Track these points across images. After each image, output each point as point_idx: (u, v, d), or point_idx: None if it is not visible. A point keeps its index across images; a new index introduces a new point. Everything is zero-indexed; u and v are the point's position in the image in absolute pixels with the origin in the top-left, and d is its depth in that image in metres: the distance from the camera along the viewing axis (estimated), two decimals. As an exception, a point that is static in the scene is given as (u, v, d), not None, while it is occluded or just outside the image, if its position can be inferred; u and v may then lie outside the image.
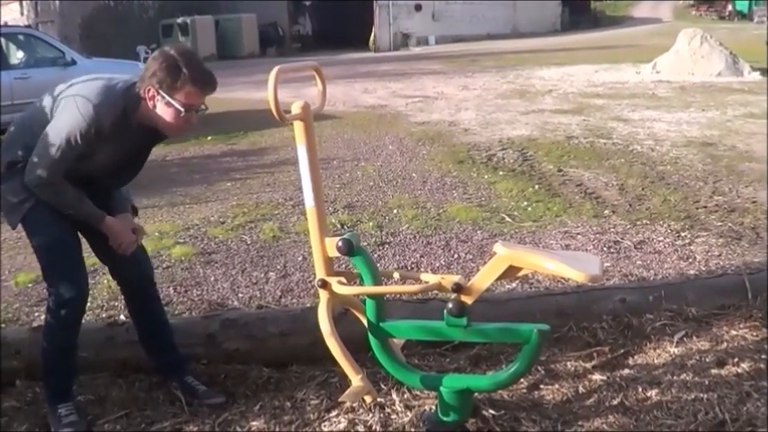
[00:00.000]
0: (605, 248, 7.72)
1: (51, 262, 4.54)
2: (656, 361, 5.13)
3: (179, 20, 44.70)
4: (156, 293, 5.10)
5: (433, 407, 4.36)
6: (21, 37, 16.85)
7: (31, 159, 4.29)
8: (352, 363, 4.23)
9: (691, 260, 7.31)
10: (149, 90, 4.23)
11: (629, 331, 5.47)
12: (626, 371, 5.01)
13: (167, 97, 4.22)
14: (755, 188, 10.00)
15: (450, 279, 4.08)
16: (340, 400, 4.30)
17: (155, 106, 4.27)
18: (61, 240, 4.52)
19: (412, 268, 7.35)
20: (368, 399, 4.38)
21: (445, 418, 4.21)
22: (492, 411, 4.41)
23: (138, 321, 5.04)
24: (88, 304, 6.35)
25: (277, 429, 4.46)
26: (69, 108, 4.25)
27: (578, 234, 8.26)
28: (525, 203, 9.60)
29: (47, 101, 4.45)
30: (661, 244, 7.81)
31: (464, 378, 4.50)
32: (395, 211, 9.39)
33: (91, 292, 6.76)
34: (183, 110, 4.25)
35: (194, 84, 4.24)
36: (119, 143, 4.37)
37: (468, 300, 4.04)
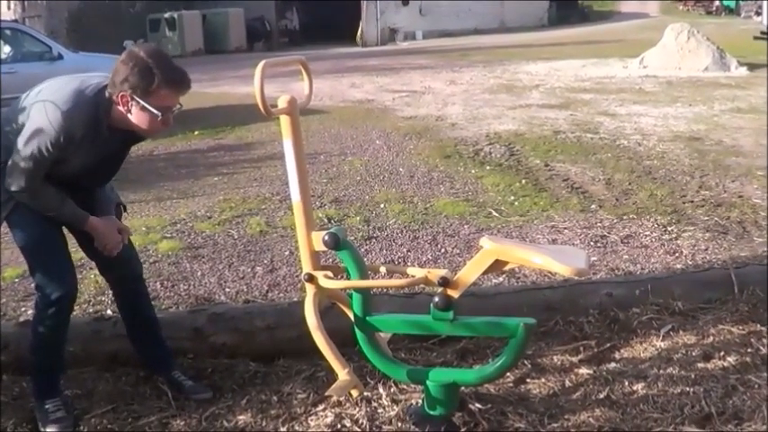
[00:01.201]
0: (592, 243, 7.74)
1: (38, 260, 4.51)
2: (642, 355, 5.14)
3: (166, 14, 44.54)
4: (144, 290, 5.09)
5: (420, 401, 4.37)
6: (8, 32, 16.81)
7: (8, 166, 4.24)
8: (338, 357, 4.24)
9: (677, 254, 7.33)
10: (123, 96, 4.16)
11: (616, 325, 5.49)
12: (612, 365, 5.02)
13: (142, 102, 4.16)
14: (742, 183, 10.03)
15: (436, 273, 4.08)
16: (327, 394, 4.30)
17: (129, 111, 4.21)
18: (47, 238, 4.50)
19: (399, 263, 7.36)
20: (354, 393, 4.39)
21: (432, 412, 4.21)
22: (478, 405, 4.42)
23: (126, 317, 5.03)
24: (75, 299, 6.38)
25: (264, 423, 4.46)
26: (39, 115, 4.18)
27: (565, 228, 8.27)
28: (512, 198, 9.61)
29: (20, 104, 4.38)
30: (648, 238, 7.83)
31: (450, 372, 4.51)
32: (382, 206, 9.39)
33: (79, 287, 6.78)
34: (159, 114, 4.20)
35: (168, 86, 4.17)
36: (93, 149, 4.31)
37: (454, 294, 4.05)
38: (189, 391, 4.87)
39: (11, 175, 4.23)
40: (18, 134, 4.23)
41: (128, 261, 4.88)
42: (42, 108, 4.19)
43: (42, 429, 4.51)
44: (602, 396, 4.62)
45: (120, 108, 4.21)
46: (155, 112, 4.18)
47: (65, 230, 4.63)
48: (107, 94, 4.24)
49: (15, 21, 21.15)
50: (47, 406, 4.56)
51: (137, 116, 4.22)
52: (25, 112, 4.28)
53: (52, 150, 4.16)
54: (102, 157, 4.43)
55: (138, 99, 4.15)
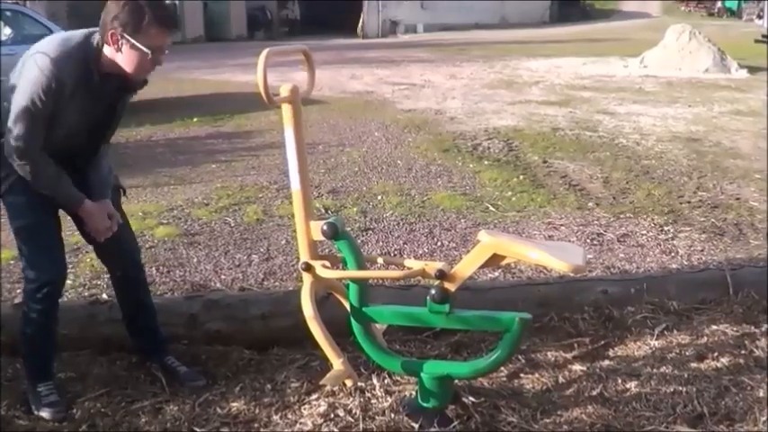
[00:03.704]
0: (588, 240, 7.75)
1: (29, 244, 4.50)
2: (636, 353, 5.15)
3: (167, 1, 44.38)
4: (142, 276, 5.07)
5: (414, 392, 4.38)
6: (8, 13, 16.73)
7: (6, 129, 4.21)
8: (333, 346, 4.25)
9: (673, 254, 7.33)
10: (113, 34, 4.13)
11: (611, 323, 5.50)
12: (606, 362, 5.03)
13: (132, 40, 4.13)
14: (739, 185, 10.03)
15: (433, 266, 4.09)
16: (320, 383, 4.32)
17: (119, 50, 4.17)
18: (41, 221, 4.49)
19: (395, 255, 7.36)
20: (348, 383, 4.41)
21: (425, 404, 4.23)
22: (472, 398, 4.43)
23: (122, 301, 5.03)
24: (71, 282, 6.43)
25: (257, 411, 4.47)
26: (29, 67, 4.16)
27: (562, 225, 8.28)
28: (510, 193, 9.61)
29: (15, 71, 4.35)
30: (644, 237, 7.84)
31: (445, 365, 4.53)
32: (379, 198, 9.39)
33: (73, 270, 6.81)
34: (149, 52, 4.17)
35: (159, 23, 4.16)
36: (87, 98, 4.26)
37: (451, 287, 4.06)
38: (183, 377, 4.88)
39: (9, 138, 4.18)
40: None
41: (127, 247, 4.88)
42: (32, 61, 4.17)
43: (36, 412, 4.52)
44: (595, 393, 4.63)
45: (111, 48, 4.18)
46: (144, 50, 4.15)
47: (62, 214, 4.62)
48: (95, 41, 4.22)
49: (16, 2, 21.05)
50: (39, 389, 4.56)
51: (126, 55, 4.19)
52: (19, 73, 4.26)
53: (45, 99, 4.10)
54: (98, 108, 4.39)
55: (127, 37, 4.12)
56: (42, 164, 4.25)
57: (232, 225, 8.35)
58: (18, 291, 6.40)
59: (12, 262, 7.10)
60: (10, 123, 4.18)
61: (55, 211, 4.58)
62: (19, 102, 4.14)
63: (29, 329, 4.61)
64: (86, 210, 4.43)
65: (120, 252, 4.84)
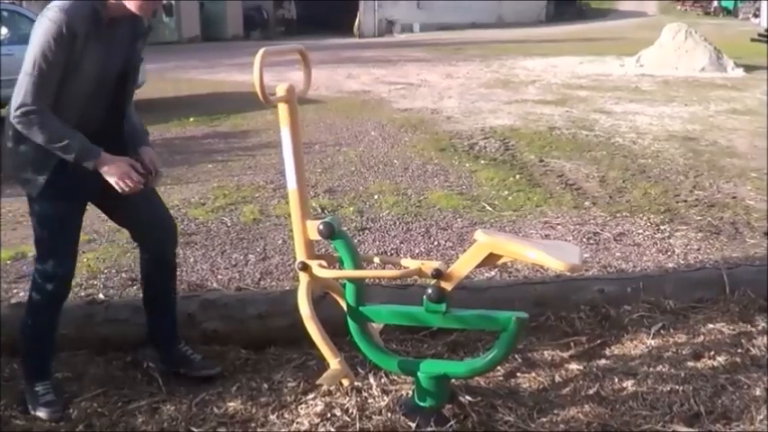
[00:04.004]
0: (585, 239, 7.75)
1: (47, 236, 4.50)
2: (632, 352, 5.16)
3: (164, 1, 44.42)
4: (172, 260, 5.02)
5: (410, 392, 4.38)
6: (5, 13, 16.73)
7: (16, 86, 4.16)
8: (330, 346, 4.25)
9: (669, 253, 7.34)
10: None
11: (607, 322, 5.50)
12: (603, 361, 5.04)
13: None
14: (736, 184, 10.04)
15: (430, 265, 4.09)
16: (317, 382, 4.32)
17: None
18: (63, 217, 4.49)
19: (391, 254, 7.36)
20: (345, 382, 4.41)
21: (422, 404, 4.23)
22: (468, 398, 4.43)
23: (146, 284, 5.03)
24: (67, 281, 6.38)
25: (253, 411, 4.47)
26: (40, 22, 4.13)
27: (558, 224, 8.28)
28: (506, 193, 9.61)
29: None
30: (640, 236, 7.84)
31: (441, 364, 4.52)
32: (376, 197, 9.39)
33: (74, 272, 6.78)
34: None
35: None
36: (99, 46, 4.23)
37: (447, 286, 4.06)
38: (198, 366, 4.92)
39: (16, 98, 4.14)
40: None
41: (162, 229, 4.88)
42: (43, 16, 4.14)
43: (32, 412, 4.52)
44: (591, 392, 4.63)
45: None
46: None
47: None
48: None
49: (13, 2, 21.05)
50: (37, 388, 4.56)
51: None
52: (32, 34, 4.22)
53: (56, 49, 4.07)
54: (114, 59, 4.36)
55: None
56: (48, 117, 4.16)
57: (229, 225, 8.35)
58: (15, 290, 6.42)
59: (8, 262, 7.11)
60: (18, 83, 4.15)
61: (82, 209, 4.59)
62: (30, 55, 4.13)
63: (30, 328, 4.62)
64: (106, 160, 4.28)
65: (155, 232, 4.84)
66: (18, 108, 4.14)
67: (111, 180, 4.26)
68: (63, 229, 4.51)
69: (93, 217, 8.46)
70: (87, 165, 4.23)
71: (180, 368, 4.93)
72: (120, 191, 4.27)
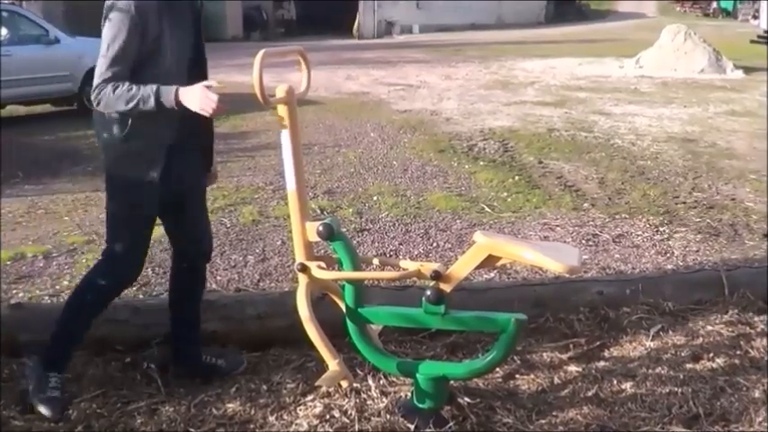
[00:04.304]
0: (584, 241, 7.75)
1: (121, 231, 4.57)
2: (631, 354, 5.16)
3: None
4: (204, 270, 5.10)
5: (409, 393, 4.38)
6: (5, 14, 16.72)
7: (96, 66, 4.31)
8: (329, 347, 4.25)
9: (668, 255, 7.34)
10: None
11: (606, 324, 5.51)
12: (601, 363, 5.04)
13: None
14: (735, 185, 10.05)
15: (429, 266, 4.10)
16: (316, 384, 4.32)
17: None
18: (147, 216, 4.60)
19: (391, 255, 7.36)
20: (344, 384, 4.41)
21: (421, 405, 4.23)
22: (467, 399, 4.43)
23: (175, 289, 5.06)
24: (67, 283, 6.43)
25: (252, 412, 4.47)
26: (113, 7, 4.29)
27: (557, 226, 8.29)
28: (505, 194, 9.62)
29: None
30: (639, 238, 7.85)
31: (440, 365, 4.53)
32: (375, 198, 9.39)
33: (69, 271, 6.82)
34: None
35: None
36: (173, 27, 4.37)
37: (446, 288, 4.06)
38: (227, 369, 4.96)
39: (98, 73, 4.26)
40: None
41: (201, 239, 4.94)
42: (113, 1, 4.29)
43: (34, 402, 4.50)
44: (590, 394, 4.64)
45: None
46: None
47: None
48: None
49: (12, 3, 21.05)
50: (51, 378, 4.55)
51: None
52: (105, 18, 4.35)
53: (127, 32, 4.21)
54: (185, 33, 4.50)
55: None
56: (121, 85, 4.23)
57: (228, 226, 8.35)
58: (15, 291, 6.42)
59: (8, 263, 7.10)
60: (99, 60, 4.28)
61: (155, 214, 4.66)
62: (104, 39, 4.28)
63: (74, 312, 4.66)
64: (183, 92, 4.25)
65: (193, 242, 4.90)
66: (93, 91, 4.27)
67: (195, 108, 4.23)
68: (143, 230, 4.60)
69: (93, 218, 8.51)
70: (169, 103, 4.22)
71: (207, 376, 4.94)
72: (207, 115, 4.27)
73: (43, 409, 4.48)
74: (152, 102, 4.19)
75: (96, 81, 4.25)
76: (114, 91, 4.21)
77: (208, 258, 5.09)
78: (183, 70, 4.46)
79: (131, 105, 4.21)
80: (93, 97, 4.26)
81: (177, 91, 4.21)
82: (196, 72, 4.55)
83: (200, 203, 4.91)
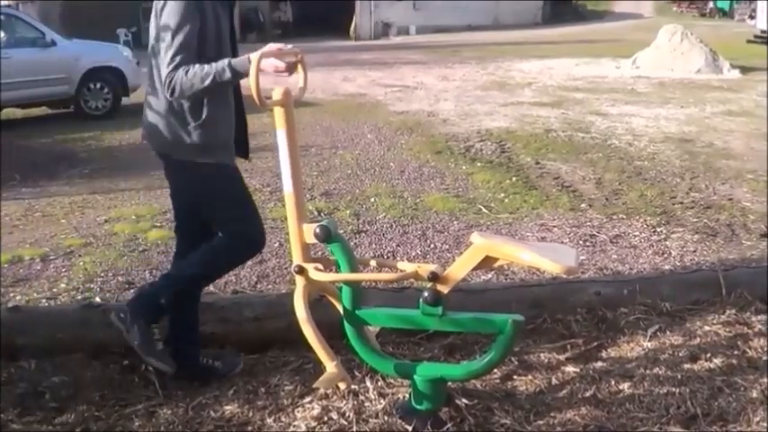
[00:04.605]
0: (581, 242, 7.76)
1: (241, 209, 4.69)
2: (629, 354, 5.16)
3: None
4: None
5: (407, 395, 4.38)
6: (1, 17, 16.75)
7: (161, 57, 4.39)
8: (326, 349, 4.25)
9: (666, 255, 7.35)
10: None
11: (604, 324, 5.50)
12: (599, 363, 5.04)
13: None
14: (732, 185, 10.06)
15: (426, 268, 4.10)
16: (314, 386, 4.32)
17: None
18: (248, 195, 4.81)
19: (388, 257, 7.36)
20: (342, 386, 4.40)
21: (418, 407, 4.23)
22: (465, 401, 4.42)
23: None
24: (63, 285, 6.41)
25: (250, 414, 4.47)
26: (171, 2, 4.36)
27: (554, 227, 8.29)
28: (502, 195, 9.62)
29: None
30: (637, 239, 7.85)
31: (438, 367, 4.53)
32: (372, 200, 9.39)
33: (67, 273, 6.82)
34: None
35: None
36: (221, 13, 4.52)
37: (443, 289, 4.06)
38: (223, 371, 4.98)
39: (165, 62, 4.32)
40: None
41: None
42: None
43: (149, 360, 4.62)
44: (588, 394, 4.63)
45: None
46: None
47: None
48: None
49: (9, 6, 21.05)
50: (153, 331, 4.70)
51: None
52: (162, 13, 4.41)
53: (189, 22, 4.30)
54: (228, 29, 4.62)
55: None
56: (192, 66, 4.30)
57: (225, 228, 8.34)
58: (12, 294, 6.41)
59: (5, 266, 7.10)
60: (165, 44, 4.33)
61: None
62: (167, 32, 4.32)
63: (203, 271, 4.75)
64: (255, 57, 4.26)
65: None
66: (164, 82, 4.32)
67: (271, 69, 4.32)
68: (249, 200, 4.79)
69: (90, 220, 8.51)
70: (245, 69, 4.25)
71: (205, 378, 4.95)
72: (286, 75, 4.40)
73: (162, 366, 4.59)
74: (228, 73, 4.26)
75: (166, 70, 4.28)
76: (187, 73, 4.26)
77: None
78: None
79: (208, 81, 4.26)
80: (166, 87, 4.30)
81: (252, 55, 4.26)
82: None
83: None
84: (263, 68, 4.24)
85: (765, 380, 4.74)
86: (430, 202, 9.22)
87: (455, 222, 8.47)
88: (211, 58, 4.35)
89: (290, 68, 4.37)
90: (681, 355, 5.11)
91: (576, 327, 5.48)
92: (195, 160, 4.53)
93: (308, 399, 4.57)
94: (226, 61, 4.26)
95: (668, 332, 5.41)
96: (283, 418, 4.42)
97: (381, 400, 4.49)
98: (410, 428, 4.19)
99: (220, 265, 4.82)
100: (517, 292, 5.75)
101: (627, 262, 7.17)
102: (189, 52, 4.29)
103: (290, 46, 4.48)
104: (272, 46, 4.35)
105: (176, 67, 4.27)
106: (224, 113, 4.55)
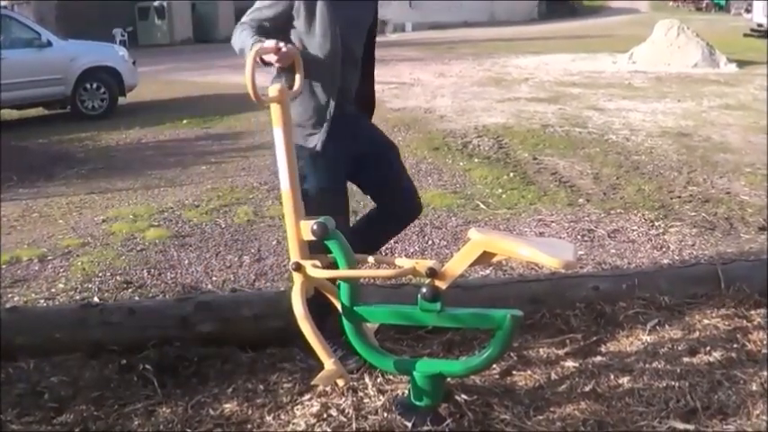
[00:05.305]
0: (579, 237, 7.75)
1: (321, 206, 4.59)
2: (628, 349, 5.14)
3: (155, 3, 44.30)
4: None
5: (406, 391, 4.37)
6: (-2, 18, 16.78)
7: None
8: (325, 346, 4.24)
9: (664, 249, 7.34)
10: None
11: (602, 319, 5.49)
12: (598, 358, 5.03)
13: None
14: (729, 179, 10.05)
15: (424, 264, 4.09)
16: (313, 383, 4.31)
17: None
18: (333, 191, 4.79)
19: (386, 253, 7.34)
20: (340, 382, 4.39)
21: (418, 403, 4.22)
22: (464, 396, 4.42)
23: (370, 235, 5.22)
24: (62, 285, 6.41)
25: (250, 412, 4.46)
26: None
27: (552, 222, 8.28)
28: (500, 191, 9.62)
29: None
30: (635, 233, 7.84)
31: (437, 363, 4.51)
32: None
33: (65, 273, 6.81)
34: None
35: None
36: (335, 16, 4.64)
37: (442, 285, 4.05)
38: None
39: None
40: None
41: (411, 197, 5.20)
42: None
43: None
44: (587, 389, 4.62)
45: None
46: None
47: None
48: None
49: (4, 7, 21.07)
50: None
51: None
52: None
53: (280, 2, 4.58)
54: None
55: None
56: (246, 30, 4.56)
57: (223, 226, 8.35)
58: (10, 295, 6.41)
59: (4, 267, 7.10)
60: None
61: (345, 185, 4.99)
62: None
63: None
64: (255, 53, 4.32)
65: (404, 200, 5.19)
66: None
67: (272, 60, 4.38)
68: (330, 200, 4.75)
69: (87, 220, 8.51)
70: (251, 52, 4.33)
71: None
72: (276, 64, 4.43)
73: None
74: (246, 50, 4.37)
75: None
76: (240, 33, 4.55)
77: (417, 215, 5.30)
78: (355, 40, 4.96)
79: (238, 48, 4.54)
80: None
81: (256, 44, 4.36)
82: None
83: (392, 164, 5.24)
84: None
85: (765, 373, 4.73)
86: (428, 199, 9.19)
87: (453, 218, 8.46)
88: (315, 50, 4.64)
89: (284, 59, 4.39)
90: (680, 348, 5.10)
91: (575, 321, 5.46)
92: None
93: (307, 396, 4.57)
94: (255, 38, 4.38)
95: (667, 326, 5.40)
96: (282, 416, 4.41)
97: (380, 397, 4.49)
98: (409, 425, 4.18)
99: None
100: (515, 288, 5.74)
101: (625, 256, 7.17)
102: (260, 17, 4.60)
103: (289, 45, 4.48)
104: (270, 42, 4.34)
105: (241, 24, 4.62)
106: (314, 98, 4.75)
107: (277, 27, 4.59)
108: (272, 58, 4.32)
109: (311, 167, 4.71)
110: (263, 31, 4.51)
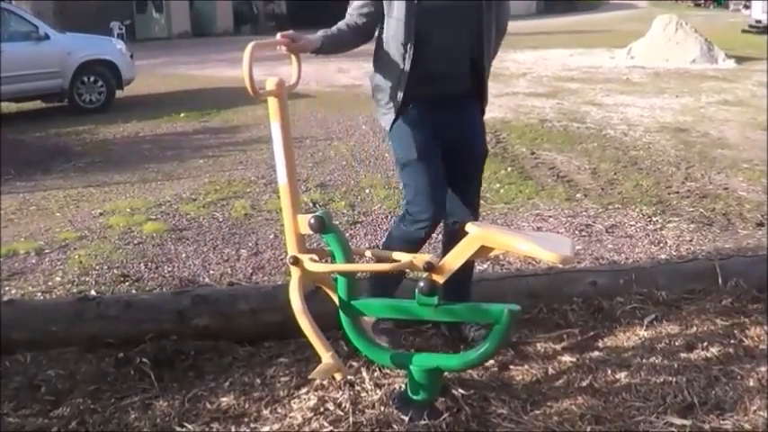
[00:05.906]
0: (577, 232, 7.75)
1: (410, 177, 4.71)
2: (625, 344, 5.14)
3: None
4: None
5: (403, 385, 4.37)
6: (-5, 12, 16.76)
7: None
8: (322, 340, 4.24)
9: (662, 245, 7.34)
10: None
11: (600, 314, 5.49)
12: (595, 353, 5.03)
13: None
14: (727, 175, 10.05)
15: (421, 258, 4.09)
16: (310, 377, 4.30)
17: None
18: (422, 158, 4.70)
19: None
20: (338, 376, 4.39)
21: (415, 397, 4.22)
22: (461, 391, 4.42)
23: (445, 241, 5.18)
24: (59, 279, 6.39)
25: (246, 406, 4.45)
26: None
27: (550, 217, 8.28)
28: (498, 185, 9.61)
29: None
30: (632, 228, 7.84)
31: (434, 357, 4.51)
32: (367, 191, 9.38)
33: (62, 267, 6.80)
34: None
35: None
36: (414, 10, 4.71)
37: (439, 279, 4.05)
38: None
39: None
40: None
41: (466, 202, 5.10)
42: None
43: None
44: (584, 384, 4.62)
45: None
46: None
47: None
48: None
49: (2, 0, 21.08)
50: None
51: None
52: None
53: None
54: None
55: None
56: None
57: (220, 220, 8.34)
58: (7, 288, 6.40)
59: (1, 260, 7.09)
60: None
61: (438, 151, 4.81)
62: None
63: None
64: (252, 48, 4.29)
65: (457, 202, 5.03)
66: None
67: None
68: (421, 169, 4.71)
69: (85, 213, 8.50)
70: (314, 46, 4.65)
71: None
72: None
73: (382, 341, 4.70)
74: None
75: None
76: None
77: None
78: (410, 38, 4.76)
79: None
80: None
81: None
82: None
83: (470, 168, 5.12)
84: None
85: (762, 369, 4.73)
86: (425, 193, 9.19)
87: (451, 213, 8.45)
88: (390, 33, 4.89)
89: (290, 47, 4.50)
90: (677, 344, 5.10)
91: (572, 316, 5.46)
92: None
93: (304, 390, 4.56)
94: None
95: (664, 321, 5.40)
96: (279, 410, 4.41)
97: (377, 391, 4.48)
98: (406, 419, 4.18)
99: (391, 239, 4.91)
100: (513, 282, 5.74)
101: (623, 251, 7.17)
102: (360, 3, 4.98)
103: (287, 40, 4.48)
104: (258, 43, 4.34)
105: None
106: (388, 74, 4.92)
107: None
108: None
109: (393, 143, 4.89)
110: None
